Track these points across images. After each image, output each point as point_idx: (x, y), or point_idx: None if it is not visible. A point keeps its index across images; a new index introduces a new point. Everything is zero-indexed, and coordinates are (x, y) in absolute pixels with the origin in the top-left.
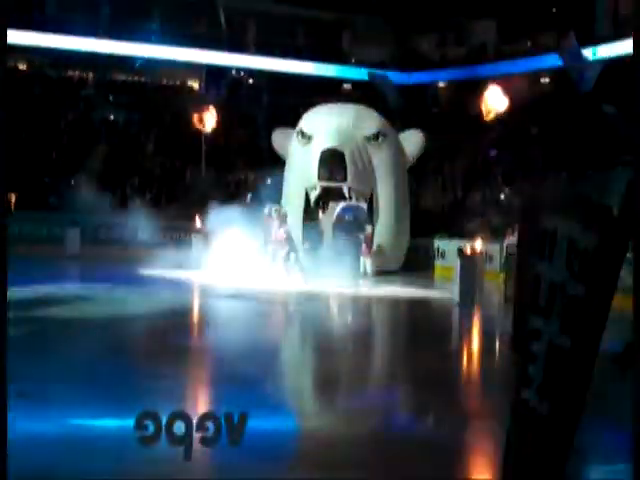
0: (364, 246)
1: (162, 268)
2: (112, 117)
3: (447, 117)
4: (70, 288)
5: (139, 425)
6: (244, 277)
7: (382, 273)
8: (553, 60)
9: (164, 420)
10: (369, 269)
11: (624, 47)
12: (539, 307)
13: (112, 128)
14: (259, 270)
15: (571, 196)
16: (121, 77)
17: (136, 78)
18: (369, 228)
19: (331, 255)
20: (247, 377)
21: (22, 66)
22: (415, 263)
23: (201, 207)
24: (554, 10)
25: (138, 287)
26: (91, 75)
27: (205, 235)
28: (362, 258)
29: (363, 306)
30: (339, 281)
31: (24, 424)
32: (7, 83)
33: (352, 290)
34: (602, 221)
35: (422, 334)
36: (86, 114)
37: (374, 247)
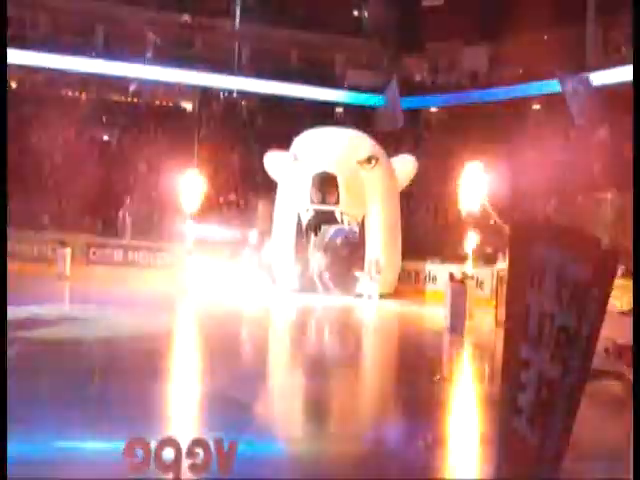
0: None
1: (152, 289)
2: (105, 137)
3: (438, 142)
4: (59, 309)
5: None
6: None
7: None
8: (544, 87)
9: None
10: (374, 293)
11: (614, 76)
12: (529, 337)
13: (105, 148)
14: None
15: (561, 226)
16: (114, 97)
17: (130, 99)
18: (375, 255)
19: (323, 277)
20: None
21: (14, 85)
22: (406, 287)
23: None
24: (545, 37)
25: (128, 308)
26: (84, 95)
27: (197, 257)
28: (369, 282)
29: (356, 329)
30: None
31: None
32: (4, 100)
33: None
34: (592, 251)
35: (411, 358)
36: (79, 134)
37: (368, 270)
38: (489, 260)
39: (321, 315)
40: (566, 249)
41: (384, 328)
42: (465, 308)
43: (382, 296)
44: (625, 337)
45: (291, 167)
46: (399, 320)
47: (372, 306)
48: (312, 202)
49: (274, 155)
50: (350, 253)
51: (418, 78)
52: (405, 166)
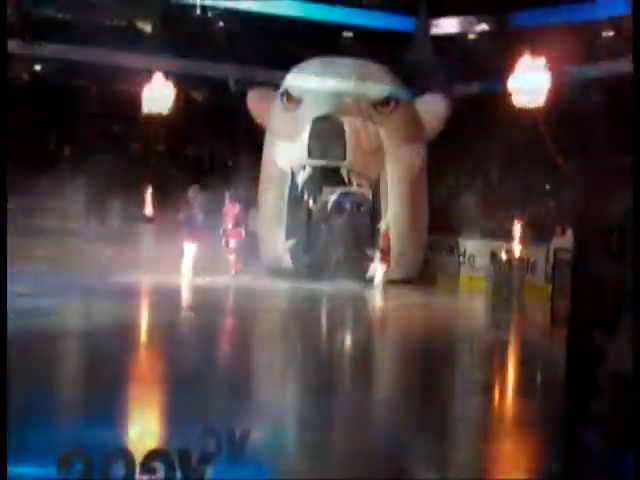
0: (378, 250)
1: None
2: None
3: (475, 76)
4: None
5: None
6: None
7: (391, 282)
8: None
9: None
10: (378, 278)
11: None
12: (602, 320)
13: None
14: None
15: None
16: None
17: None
18: (383, 224)
19: (325, 255)
20: None
21: (24, 75)
22: (434, 270)
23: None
24: None
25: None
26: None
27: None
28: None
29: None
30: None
31: None
32: (8, 92)
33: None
34: None
35: (442, 363)
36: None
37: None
38: (544, 235)
39: (307, 313)
40: None
41: (394, 325)
42: (512, 298)
43: (400, 282)
44: None
45: (283, 110)
46: (417, 316)
47: (379, 297)
48: (310, 156)
49: (260, 93)
50: (360, 225)
51: None
52: (434, 109)
